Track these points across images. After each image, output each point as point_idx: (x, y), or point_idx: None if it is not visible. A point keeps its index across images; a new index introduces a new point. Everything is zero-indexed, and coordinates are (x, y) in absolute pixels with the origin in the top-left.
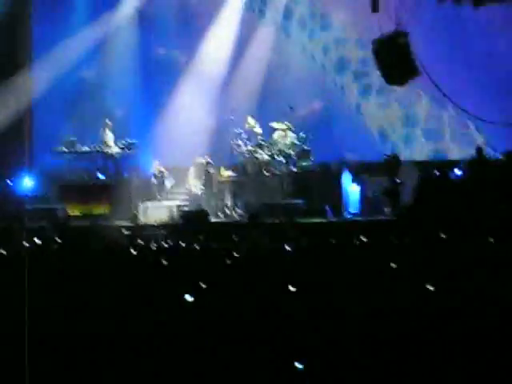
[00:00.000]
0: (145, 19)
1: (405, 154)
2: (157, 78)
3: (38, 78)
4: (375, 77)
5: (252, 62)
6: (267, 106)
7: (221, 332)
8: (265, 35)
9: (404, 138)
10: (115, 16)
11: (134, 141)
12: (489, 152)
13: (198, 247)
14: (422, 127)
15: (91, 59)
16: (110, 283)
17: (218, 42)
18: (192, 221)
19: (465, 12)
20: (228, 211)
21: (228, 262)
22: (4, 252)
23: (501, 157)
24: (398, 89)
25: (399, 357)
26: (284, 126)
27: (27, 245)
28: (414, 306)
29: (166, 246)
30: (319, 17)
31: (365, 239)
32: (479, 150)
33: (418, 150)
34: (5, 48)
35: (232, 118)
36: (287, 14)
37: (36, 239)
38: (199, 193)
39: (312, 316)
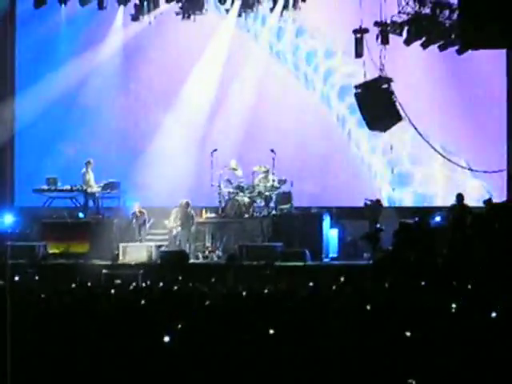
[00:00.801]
0: (128, 57)
1: (388, 199)
2: (139, 117)
3: (20, 113)
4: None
5: (234, 105)
6: (249, 148)
7: (197, 373)
8: (249, 73)
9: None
10: (99, 52)
11: (115, 180)
12: (471, 199)
13: (176, 288)
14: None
15: (74, 96)
16: (88, 321)
17: (201, 82)
18: (171, 261)
19: (449, 57)
20: (207, 252)
21: (206, 302)
22: None
23: (483, 204)
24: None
25: None
26: (265, 169)
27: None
28: (388, 348)
29: (144, 285)
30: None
31: (342, 282)
32: (460, 196)
33: (403, 195)
34: None
35: (214, 153)
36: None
37: (15, 276)
38: (179, 234)
39: (291, 357)
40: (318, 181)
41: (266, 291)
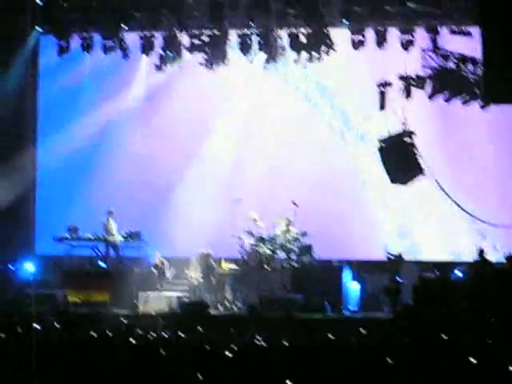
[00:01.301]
0: (151, 106)
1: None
2: (161, 167)
3: (42, 161)
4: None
5: (256, 156)
6: (271, 199)
7: None
8: (272, 124)
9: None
10: (122, 101)
11: (136, 230)
12: (493, 254)
13: (196, 339)
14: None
15: (96, 144)
16: (109, 371)
17: (224, 133)
18: (191, 312)
19: (472, 112)
20: (227, 304)
21: (228, 354)
22: (3, 335)
23: (504, 260)
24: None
25: None
26: (286, 221)
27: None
28: None
29: (164, 335)
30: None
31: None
32: (481, 252)
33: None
34: (11, 127)
35: (236, 204)
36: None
37: (35, 324)
38: (199, 284)
39: None
40: (338, 233)
41: (285, 343)
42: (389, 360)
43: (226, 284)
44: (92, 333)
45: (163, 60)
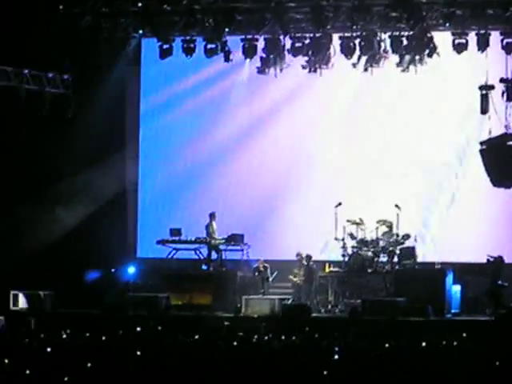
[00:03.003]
0: (253, 109)
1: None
2: (263, 171)
3: (143, 164)
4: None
5: (359, 159)
6: (374, 202)
7: None
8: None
9: None
10: (223, 103)
11: (239, 233)
12: None
13: (298, 341)
14: None
15: (197, 147)
16: (211, 374)
17: (330, 137)
18: (293, 315)
19: None
20: (329, 306)
21: (335, 357)
22: (105, 338)
23: None
24: None
25: None
26: (388, 224)
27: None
28: None
29: (266, 338)
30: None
31: (465, 339)
32: None
33: None
34: (113, 130)
35: (338, 207)
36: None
37: (137, 327)
38: (301, 287)
39: None
40: (440, 236)
41: (387, 346)
42: (496, 363)
43: (328, 287)
44: (194, 336)
45: (265, 63)
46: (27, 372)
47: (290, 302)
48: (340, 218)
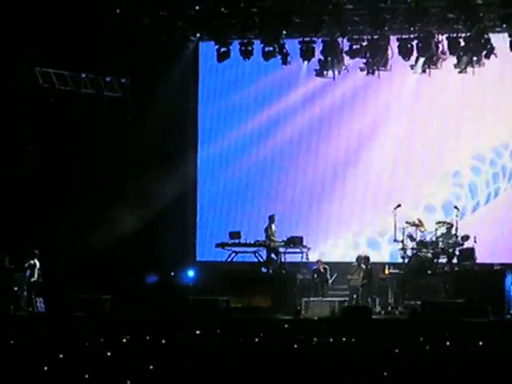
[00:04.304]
0: (311, 111)
1: None
2: (321, 173)
3: (203, 166)
4: None
5: (416, 161)
6: (433, 204)
7: None
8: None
9: None
10: (282, 105)
11: (298, 235)
12: None
13: (359, 343)
14: None
15: (255, 149)
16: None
17: (385, 138)
18: (354, 317)
19: None
20: (389, 308)
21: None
22: (164, 341)
23: None
24: None
25: None
26: (448, 225)
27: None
28: None
29: (327, 341)
30: None
31: None
32: None
33: None
34: (172, 133)
35: (397, 209)
36: None
37: (197, 330)
38: (361, 289)
39: None
40: (499, 237)
41: (448, 347)
42: None
43: (388, 288)
44: (254, 338)
45: (323, 65)
46: (86, 376)
47: (349, 303)
48: (399, 220)
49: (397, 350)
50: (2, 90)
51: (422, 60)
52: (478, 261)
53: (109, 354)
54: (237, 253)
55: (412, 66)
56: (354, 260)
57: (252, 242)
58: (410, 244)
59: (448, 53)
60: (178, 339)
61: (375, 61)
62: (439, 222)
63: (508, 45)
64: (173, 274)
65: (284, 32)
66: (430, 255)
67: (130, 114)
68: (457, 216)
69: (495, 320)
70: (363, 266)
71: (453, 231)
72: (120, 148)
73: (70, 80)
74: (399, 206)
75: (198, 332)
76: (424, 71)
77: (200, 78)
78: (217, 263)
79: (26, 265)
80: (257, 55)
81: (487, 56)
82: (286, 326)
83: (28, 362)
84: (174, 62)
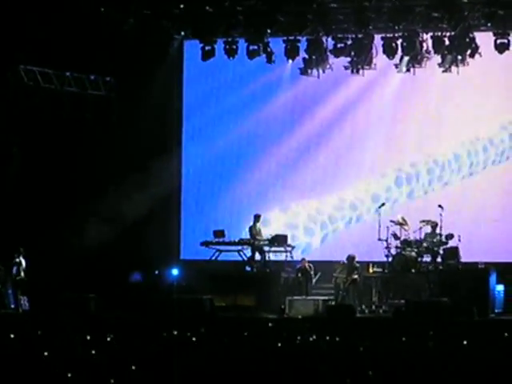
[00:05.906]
0: (295, 110)
1: None
2: (306, 172)
3: (187, 165)
4: None
5: (403, 161)
6: (416, 203)
7: None
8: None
9: None
10: (267, 104)
11: (282, 234)
12: None
13: (343, 342)
14: None
15: (240, 150)
16: (255, 375)
17: (368, 141)
18: (338, 316)
19: None
20: (373, 307)
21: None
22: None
23: None
24: None
25: None
26: (432, 224)
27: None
28: None
29: (310, 339)
30: None
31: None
32: None
33: None
34: (156, 132)
35: (381, 208)
36: None
37: (181, 330)
38: (345, 288)
39: None
40: (484, 235)
41: (431, 346)
42: None
43: (372, 287)
44: (239, 337)
45: (308, 64)
46: (69, 375)
47: (333, 302)
48: (383, 219)
49: (381, 349)
50: None
51: (406, 59)
52: (462, 260)
53: (93, 352)
54: (221, 251)
55: (396, 65)
56: (338, 259)
57: (236, 241)
58: (394, 243)
59: (432, 52)
60: (161, 338)
61: (360, 59)
62: (423, 221)
63: (492, 44)
64: (157, 272)
65: (268, 31)
66: (414, 254)
67: (116, 113)
68: (441, 215)
69: (479, 319)
70: (347, 265)
71: (437, 230)
72: (105, 147)
73: (55, 78)
74: (383, 204)
75: (182, 331)
76: (408, 70)
77: (185, 76)
78: (201, 262)
79: (13, 262)
80: (241, 54)
81: (472, 55)
82: (270, 324)
83: (11, 360)
84: (158, 60)
